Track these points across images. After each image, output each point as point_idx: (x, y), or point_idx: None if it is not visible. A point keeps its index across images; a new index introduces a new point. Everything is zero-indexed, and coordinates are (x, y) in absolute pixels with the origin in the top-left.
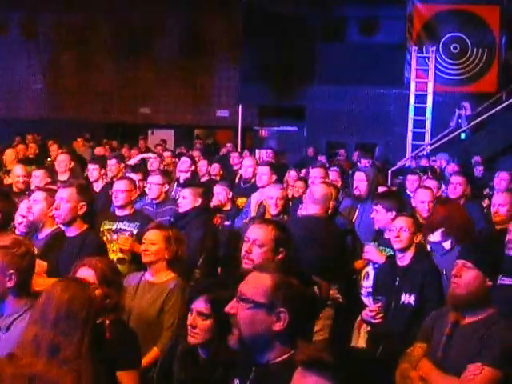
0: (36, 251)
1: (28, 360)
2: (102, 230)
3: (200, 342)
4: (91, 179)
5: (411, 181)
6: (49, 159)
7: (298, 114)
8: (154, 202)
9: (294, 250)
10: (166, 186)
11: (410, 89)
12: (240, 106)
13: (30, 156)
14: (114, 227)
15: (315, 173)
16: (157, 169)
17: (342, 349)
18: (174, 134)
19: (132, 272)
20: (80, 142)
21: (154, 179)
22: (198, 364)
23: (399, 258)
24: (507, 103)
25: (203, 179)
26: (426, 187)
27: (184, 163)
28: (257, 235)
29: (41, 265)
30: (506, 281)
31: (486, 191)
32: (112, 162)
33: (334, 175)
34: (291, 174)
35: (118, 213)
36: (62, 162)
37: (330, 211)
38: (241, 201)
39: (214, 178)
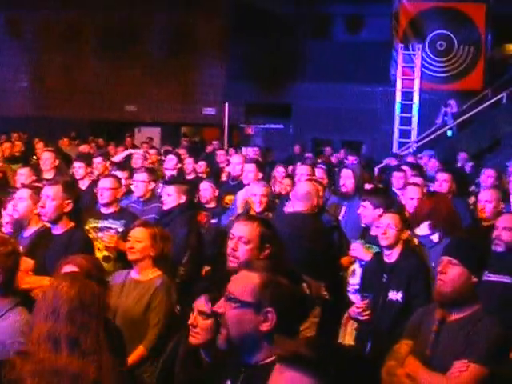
0: (22, 249)
1: (46, 355)
2: (87, 227)
3: (201, 342)
4: (77, 177)
5: (397, 178)
6: (34, 157)
7: (285, 111)
8: (140, 199)
9: (280, 246)
10: (152, 184)
11: (396, 86)
12: (226, 104)
13: (16, 154)
14: (100, 225)
15: (301, 170)
16: (142, 166)
17: (322, 343)
18: (161, 131)
19: (118, 270)
20: (66, 140)
21: (140, 177)
22: (200, 366)
23: (386, 254)
24: (493, 100)
25: (189, 177)
26: (415, 184)
27: (170, 161)
28: (242, 232)
29: (27, 262)
30: (493, 277)
31: (472, 188)
32: (98, 160)
33: (320, 172)
34: (279, 170)
35: (104, 210)
36: (47, 159)
37: (316, 208)
38: (229, 198)
39: (200, 175)
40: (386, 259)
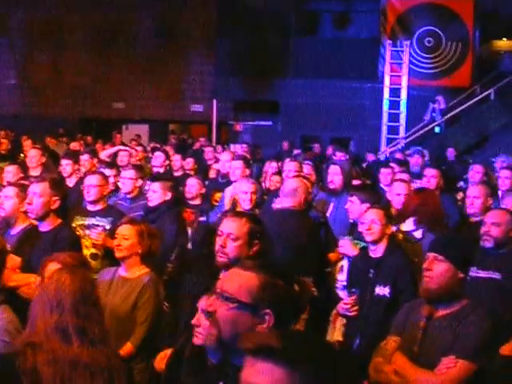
0: (9, 247)
1: (58, 345)
2: (74, 225)
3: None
4: (64, 174)
5: (384, 174)
6: (22, 155)
7: (273, 108)
8: (128, 196)
9: (268, 242)
10: (140, 181)
11: (384, 82)
12: (214, 101)
13: (2, 152)
14: (87, 222)
15: (289, 166)
16: (129, 163)
17: (291, 333)
18: (149, 128)
19: (105, 267)
20: (53, 138)
21: (127, 174)
22: (206, 368)
23: (372, 250)
24: (481, 96)
25: (177, 174)
26: (402, 180)
27: (158, 158)
28: (231, 229)
29: (15, 260)
30: (482, 273)
31: (460, 184)
32: (85, 157)
33: (308, 169)
34: (272, 166)
35: (90, 208)
36: (33, 157)
37: (304, 205)
38: (219, 196)
39: (188, 172)
40: (371, 254)
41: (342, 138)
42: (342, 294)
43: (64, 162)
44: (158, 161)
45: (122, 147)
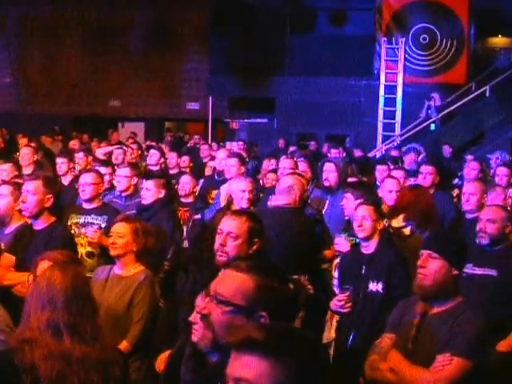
0: (3, 246)
1: (50, 341)
2: (69, 223)
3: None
4: (60, 173)
5: (380, 171)
6: (18, 153)
7: (269, 105)
8: (123, 194)
9: (265, 240)
10: (135, 179)
11: (380, 80)
12: (210, 98)
13: None
14: (82, 221)
15: (284, 164)
16: (123, 161)
17: (274, 326)
18: (145, 126)
19: (101, 266)
20: (49, 136)
21: (123, 172)
22: (206, 367)
23: (364, 246)
24: (476, 93)
25: (173, 171)
26: (393, 177)
27: (153, 156)
28: (231, 227)
29: (9, 258)
30: (478, 271)
31: (456, 181)
32: (79, 155)
33: (303, 166)
34: (272, 163)
35: (86, 206)
36: (25, 155)
37: (299, 202)
38: (215, 193)
39: (183, 170)
40: (363, 250)
41: (338, 135)
42: (337, 291)
43: (59, 160)
44: (153, 159)
45: (116, 146)
